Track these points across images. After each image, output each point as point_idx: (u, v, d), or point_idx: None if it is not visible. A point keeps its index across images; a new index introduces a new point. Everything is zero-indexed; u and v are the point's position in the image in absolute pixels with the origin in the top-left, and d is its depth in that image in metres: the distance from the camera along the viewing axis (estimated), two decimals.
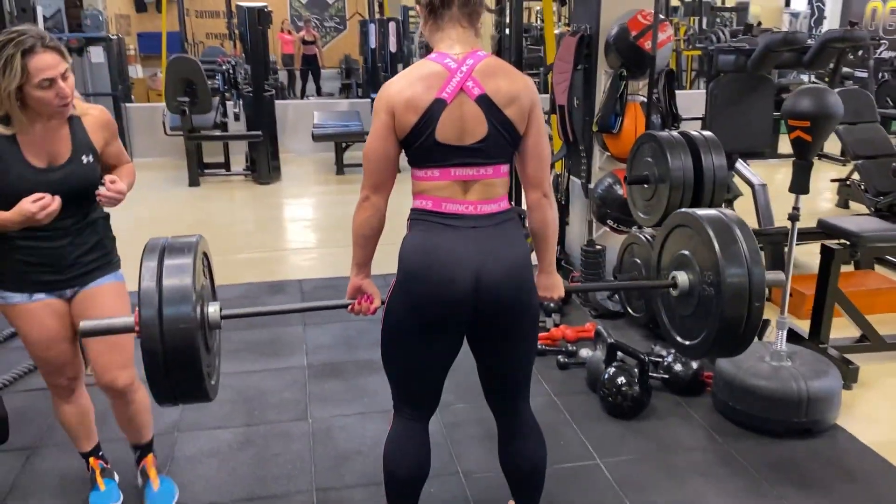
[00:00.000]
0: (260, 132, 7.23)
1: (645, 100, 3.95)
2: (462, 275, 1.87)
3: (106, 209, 2.29)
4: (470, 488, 2.60)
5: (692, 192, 3.30)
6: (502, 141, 1.94)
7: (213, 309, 2.02)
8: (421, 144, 1.91)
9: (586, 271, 4.20)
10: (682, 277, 2.26)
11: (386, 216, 1.97)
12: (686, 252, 2.28)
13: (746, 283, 2.10)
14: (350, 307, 2.07)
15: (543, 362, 3.52)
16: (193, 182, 7.35)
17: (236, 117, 7.74)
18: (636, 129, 4.07)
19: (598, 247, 4.22)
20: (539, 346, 3.61)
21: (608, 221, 4.24)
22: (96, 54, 8.00)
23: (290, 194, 7.18)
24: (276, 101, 8.43)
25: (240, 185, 7.50)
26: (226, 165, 7.76)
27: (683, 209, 2.35)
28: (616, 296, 4.03)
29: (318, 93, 14.21)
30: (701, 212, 2.28)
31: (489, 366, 2.08)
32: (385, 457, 2.09)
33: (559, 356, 3.50)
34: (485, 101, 1.90)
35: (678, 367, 3.22)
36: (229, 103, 7.84)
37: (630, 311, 3.87)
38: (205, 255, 2.13)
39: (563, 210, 4.74)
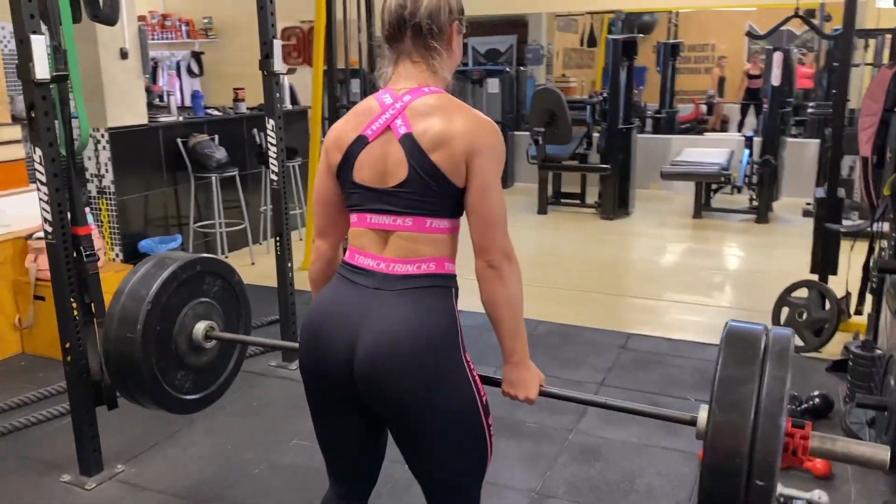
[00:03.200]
0: (608, 166, 7.03)
1: None
2: (338, 345, 1.62)
3: None
4: None
5: None
6: (429, 191, 1.61)
7: (199, 327, 2.19)
8: (344, 186, 1.73)
9: (853, 381, 3.14)
10: (703, 414, 1.56)
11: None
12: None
13: (744, 449, 1.38)
14: None
15: None
16: (541, 210, 7.51)
17: (599, 149, 7.63)
18: None
19: (878, 351, 3.11)
20: None
21: None
22: (492, 85, 8.70)
23: (629, 232, 6.82)
24: (652, 136, 8.07)
25: (586, 217, 7.40)
26: (581, 197, 7.73)
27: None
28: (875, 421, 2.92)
29: (759, 131, 13.16)
30: (741, 326, 1.56)
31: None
32: None
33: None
34: (408, 142, 1.61)
35: None
36: (596, 135, 7.78)
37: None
38: (219, 276, 2.25)
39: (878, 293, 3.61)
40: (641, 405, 1.80)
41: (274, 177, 3.63)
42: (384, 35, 1.70)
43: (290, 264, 3.72)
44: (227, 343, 2.30)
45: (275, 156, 3.60)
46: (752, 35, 6.89)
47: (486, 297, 1.65)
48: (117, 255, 5.19)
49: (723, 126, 13.20)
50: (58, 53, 2.52)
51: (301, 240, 6.48)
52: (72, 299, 2.67)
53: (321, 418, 1.77)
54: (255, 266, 5.72)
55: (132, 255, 5.19)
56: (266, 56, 3.47)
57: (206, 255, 2.25)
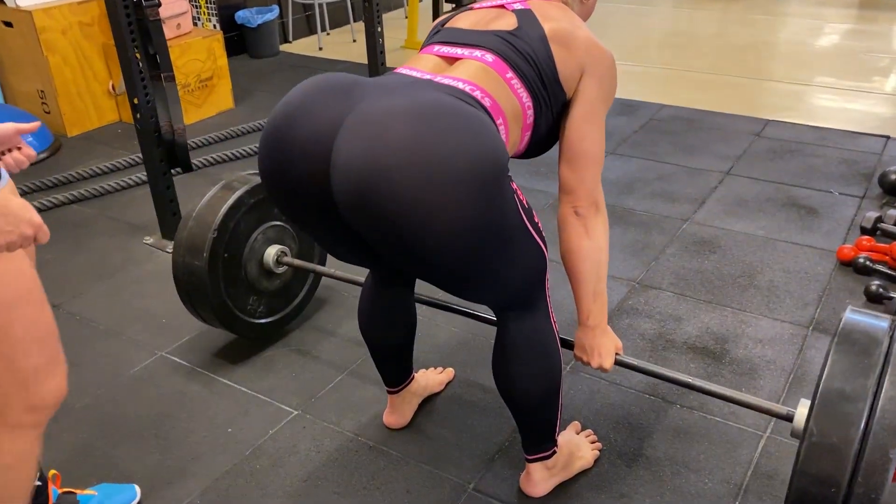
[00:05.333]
0: None
1: None
2: (318, 127, 1.17)
3: None
4: None
5: None
6: (529, 60, 1.34)
7: (270, 252, 2.07)
8: (427, 42, 1.47)
9: None
10: (802, 412, 1.32)
11: None
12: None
13: (843, 479, 1.11)
14: None
15: None
16: None
17: None
18: None
19: None
20: None
21: None
22: None
23: (781, 11, 5.87)
24: None
25: None
26: None
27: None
28: None
29: None
30: (859, 321, 1.24)
31: None
32: None
33: None
34: (525, 15, 1.37)
35: None
36: None
37: None
38: None
39: None
40: (727, 390, 1.51)
41: None
42: None
43: (381, 40, 3.34)
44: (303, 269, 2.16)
45: None
46: None
47: (567, 248, 1.37)
48: (215, 26, 4.96)
49: None
50: None
51: (406, 18, 6.02)
52: (135, 49, 2.45)
53: (308, 230, 1.37)
54: (355, 44, 5.36)
55: (229, 27, 4.95)
56: None
57: None
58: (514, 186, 1.26)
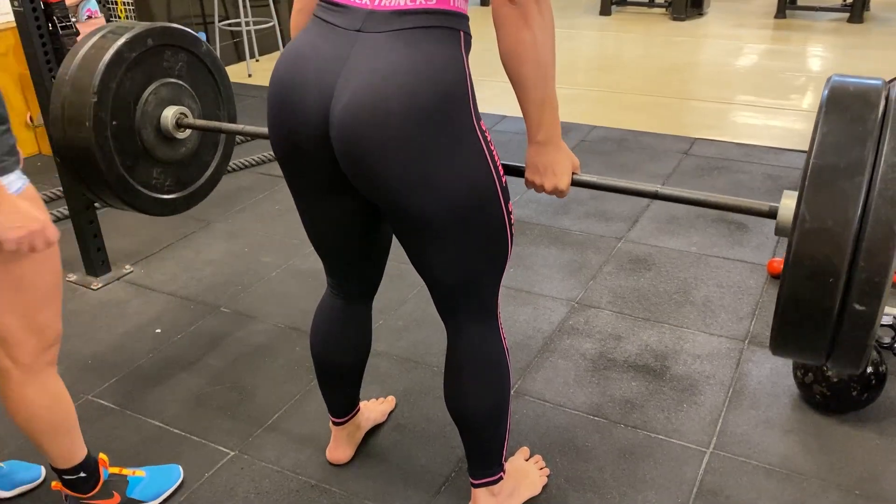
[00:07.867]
0: None
1: None
2: (309, 107, 1.26)
3: None
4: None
5: None
6: None
7: (167, 114, 1.84)
8: None
9: None
10: (788, 203, 1.15)
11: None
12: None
13: (843, 264, 0.99)
14: None
15: None
16: (604, 11, 6.75)
17: None
18: None
19: None
20: None
21: None
22: None
23: (701, 34, 6.08)
24: None
25: (654, 19, 6.63)
26: None
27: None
28: None
29: None
30: (849, 83, 1.08)
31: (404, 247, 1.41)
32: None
33: None
34: None
35: None
36: None
37: None
38: (181, 49, 1.89)
39: None
40: (700, 193, 1.35)
41: None
42: None
43: None
44: (208, 130, 1.94)
45: None
46: None
47: (506, 47, 1.23)
48: None
49: None
50: None
51: None
52: (53, 79, 2.35)
53: (302, 200, 1.45)
54: None
55: None
56: None
57: (158, 23, 1.84)
58: (501, 170, 1.30)
